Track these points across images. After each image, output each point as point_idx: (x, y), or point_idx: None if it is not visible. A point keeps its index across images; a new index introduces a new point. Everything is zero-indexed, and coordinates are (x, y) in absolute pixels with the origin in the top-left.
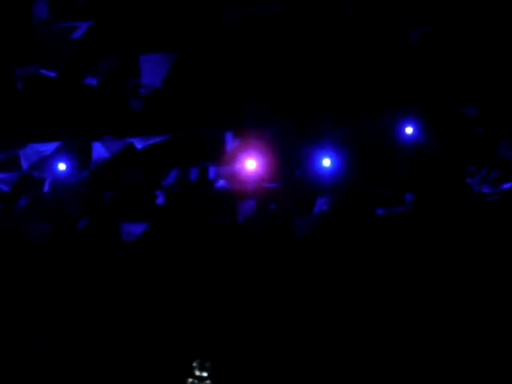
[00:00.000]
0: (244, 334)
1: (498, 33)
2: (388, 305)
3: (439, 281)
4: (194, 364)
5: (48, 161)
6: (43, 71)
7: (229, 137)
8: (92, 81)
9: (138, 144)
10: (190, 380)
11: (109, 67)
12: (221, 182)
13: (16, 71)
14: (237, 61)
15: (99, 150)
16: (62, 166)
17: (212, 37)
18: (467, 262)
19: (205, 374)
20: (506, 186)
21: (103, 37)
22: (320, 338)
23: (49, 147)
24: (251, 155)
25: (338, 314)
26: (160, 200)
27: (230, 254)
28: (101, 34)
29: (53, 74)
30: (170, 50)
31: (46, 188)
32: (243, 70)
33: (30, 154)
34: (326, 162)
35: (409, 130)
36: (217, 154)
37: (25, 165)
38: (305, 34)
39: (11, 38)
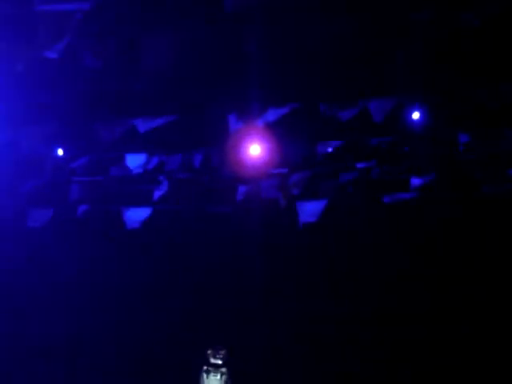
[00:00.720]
0: (255, 322)
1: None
2: (392, 295)
3: (445, 270)
4: (209, 352)
5: (49, 144)
6: (44, 52)
7: (232, 120)
8: (93, 62)
9: (141, 126)
10: (205, 368)
11: (110, 48)
12: (224, 168)
13: (17, 53)
14: (241, 44)
15: (102, 133)
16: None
17: (217, 19)
18: (472, 251)
19: (219, 362)
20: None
21: (104, 17)
22: (326, 324)
23: (50, 130)
24: (255, 140)
25: (342, 302)
26: (163, 186)
27: (234, 239)
28: (101, 14)
29: (53, 56)
30: (173, 33)
31: (47, 172)
32: (247, 53)
33: (31, 137)
34: (331, 148)
35: (416, 116)
36: (220, 138)
37: (26, 149)
38: (309, 16)
39: (12, 19)
